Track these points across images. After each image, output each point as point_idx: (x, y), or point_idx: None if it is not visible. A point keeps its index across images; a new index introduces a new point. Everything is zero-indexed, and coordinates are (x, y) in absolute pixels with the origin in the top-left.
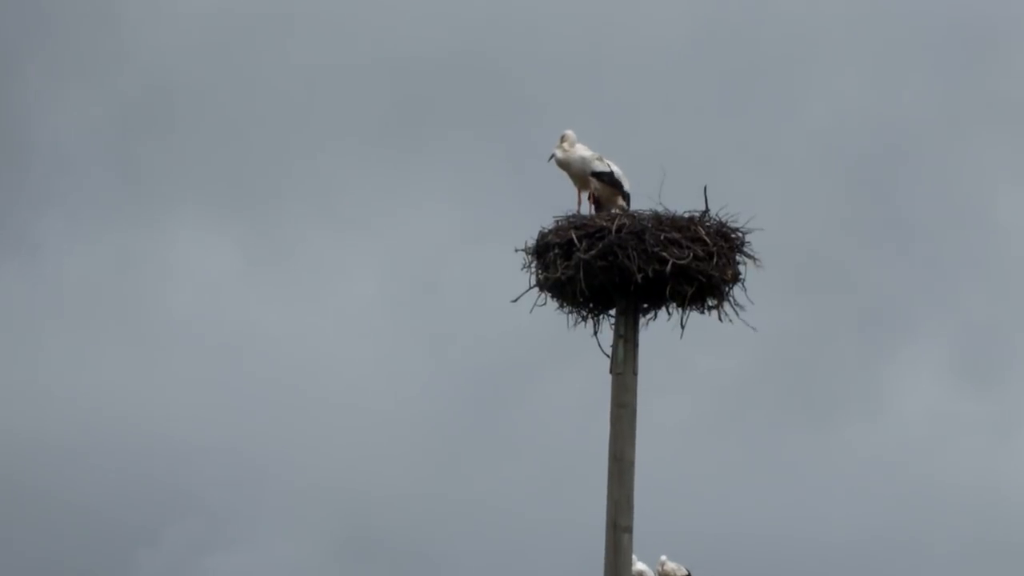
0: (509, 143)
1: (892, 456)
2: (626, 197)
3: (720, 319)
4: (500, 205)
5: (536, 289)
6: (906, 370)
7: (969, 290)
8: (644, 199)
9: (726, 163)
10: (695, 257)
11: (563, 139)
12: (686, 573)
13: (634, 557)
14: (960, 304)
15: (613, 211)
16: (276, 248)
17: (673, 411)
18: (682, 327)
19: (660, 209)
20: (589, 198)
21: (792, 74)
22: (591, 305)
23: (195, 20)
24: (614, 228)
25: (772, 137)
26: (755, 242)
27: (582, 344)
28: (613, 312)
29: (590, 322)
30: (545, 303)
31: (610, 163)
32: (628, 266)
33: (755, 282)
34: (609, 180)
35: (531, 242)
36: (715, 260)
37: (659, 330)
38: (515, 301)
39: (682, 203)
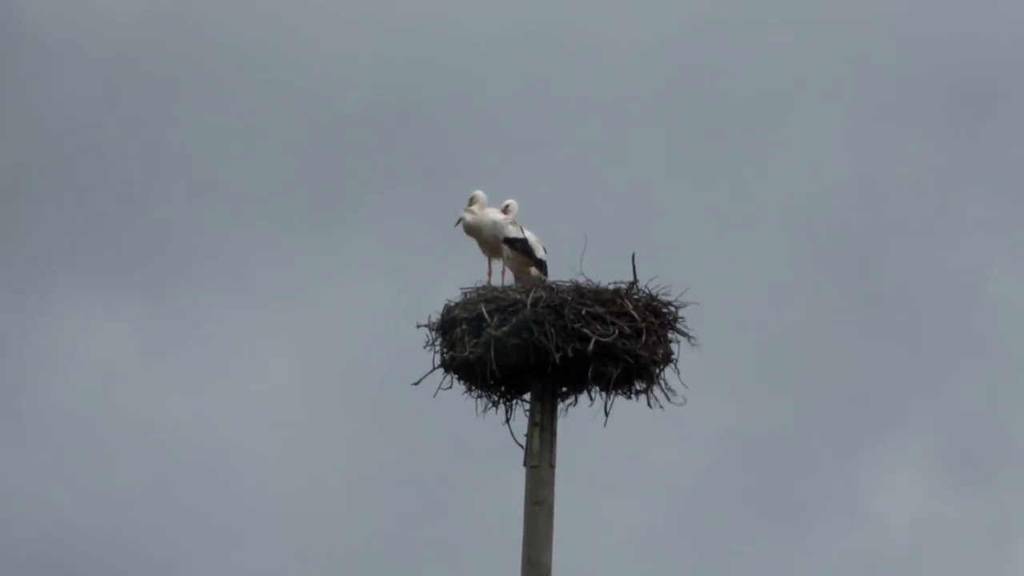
0: (443, 208)
1: (872, 566)
2: (541, 267)
3: (649, 404)
4: (431, 278)
5: (441, 370)
6: (887, 467)
7: (959, 375)
8: (565, 269)
9: (680, 231)
10: (621, 334)
11: (472, 200)
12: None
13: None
14: (949, 391)
15: (528, 282)
16: (177, 328)
17: (598, 511)
18: (606, 413)
19: (582, 280)
20: (501, 267)
21: (763, 130)
22: (503, 389)
23: (91, 70)
24: (529, 301)
25: (736, 201)
26: (707, 318)
27: (493, 433)
28: (528, 397)
29: (501, 408)
30: (451, 386)
31: (524, 228)
32: (545, 344)
33: (711, 365)
34: (523, 248)
35: (436, 316)
36: (644, 338)
37: (580, 417)
38: (417, 384)
39: (612, 274)
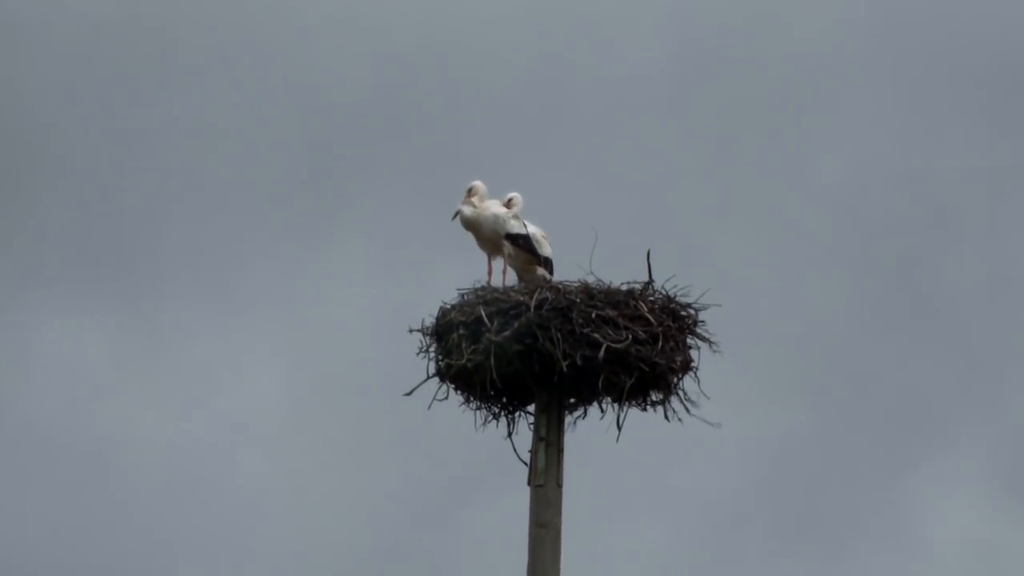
0: (439, 201)
1: None
2: (546, 265)
3: (666, 417)
4: (424, 277)
5: (436, 379)
6: (936, 487)
7: (1014, 385)
8: (573, 268)
9: (700, 226)
10: (635, 340)
11: (470, 192)
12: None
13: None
14: (1003, 402)
15: (532, 282)
16: (154, 336)
17: (610, 535)
18: (618, 427)
19: (591, 280)
20: (503, 266)
21: (797, 117)
22: (504, 400)
23: (59, 55)
24: (533, 304)
25: (765, 194)
26: (731, 322)
27: (493, 448)
28: (532, 409)
29: (503, 421)
30: (447, 397)
31: (527, 223)
32: (551, 351)
33: (736, 373)
34: (525, 244)
35: (430, 320)
36: (660, 344)
37: (590, 430)
38: (409, 394)
39: (625, 273)
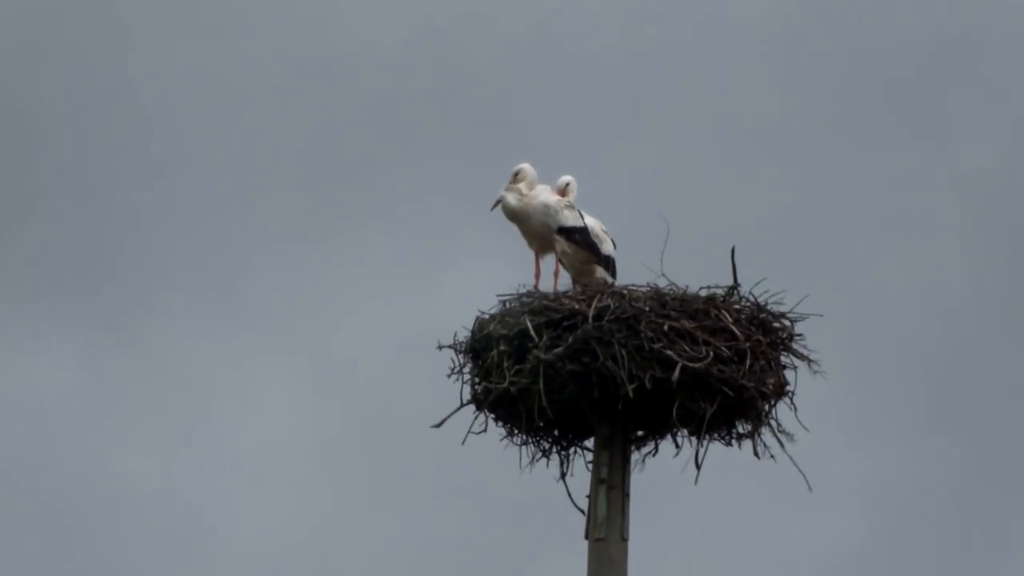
0: (482, 191)
1: None
2: (608, 265)
3: (756, 453)
4: (458, 281)
5: (472, 407)
6: None
7: None
8: (640, 269)
9: (798, 218)
10: (717, 358)
11: (516, 176)
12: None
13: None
14: None
15: (590, 286)
16: (141, 358)
17: None
18: (697, 466)
19: (663, 284)
20: (555, 266)
21: (931, 91)
22: (556, 433)
23: (22, 20)
24: (591, 313)
25: (884, 180)
26: (835, 336)
27: (543, 493)
28: (590, 444)
29: (555, 459)
30: (485, 429)
31: (584, 214)
32: (613, 372)
33: (842, 399)
34: (583, 240)
35: (464, 334)
36: (748, 363)
37: (661, 470)
38: (438, 426)
39: (705, 276)
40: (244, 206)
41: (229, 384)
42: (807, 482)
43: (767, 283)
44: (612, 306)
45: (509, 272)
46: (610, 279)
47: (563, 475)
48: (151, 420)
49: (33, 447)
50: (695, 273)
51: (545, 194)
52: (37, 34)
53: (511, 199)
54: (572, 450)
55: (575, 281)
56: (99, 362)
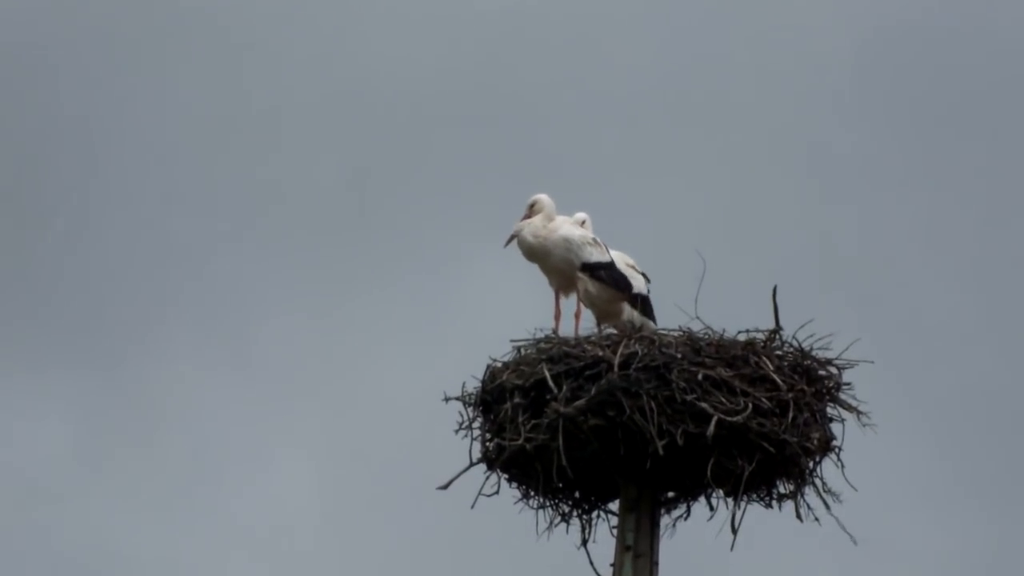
0: (499, 222)
1: None
2: (641, 305)
3: (798, 516)
4: (470, 325)
5: (483, 466)
6: None
7: None
8: (672, 311)
9: (844, 251)
10: (756, 411)
11: (532, 207)
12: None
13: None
14: None
15: (615, 330)
16: (136, 415)
17: None
18: (733, 531)
19: (697, 327)
20: (576, 307)
21: (996, 106)
22: (577, 495)
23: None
24: (617, 360)
25: (947, 208)
26: (889, 385)
27: (562, 562)
28: (615, 507)
29: (575, 524)
30: (498, 490)
31: (609, 249)
32: (641, 427)
33: (897, 456)
34: (609, 277)
35: (475, 384)
36: (791, 416)
37: (694, 536)
38: (445, 488)
39: (743, 318)
40: (255, 243)
41: (236, 445)
42: (852, 538)
43: (812, 326)
44: (640, 353)
45: (526, 313)
46: (638, 320)
47: (584, 542)
48: (149, 479)
49: (18, 518)
50: (733, 316)
51: (566, 227)
52: (29, 72)
53: (527, 233)
54: (595, 514)
55: (600, 322)
56: (91, 420)
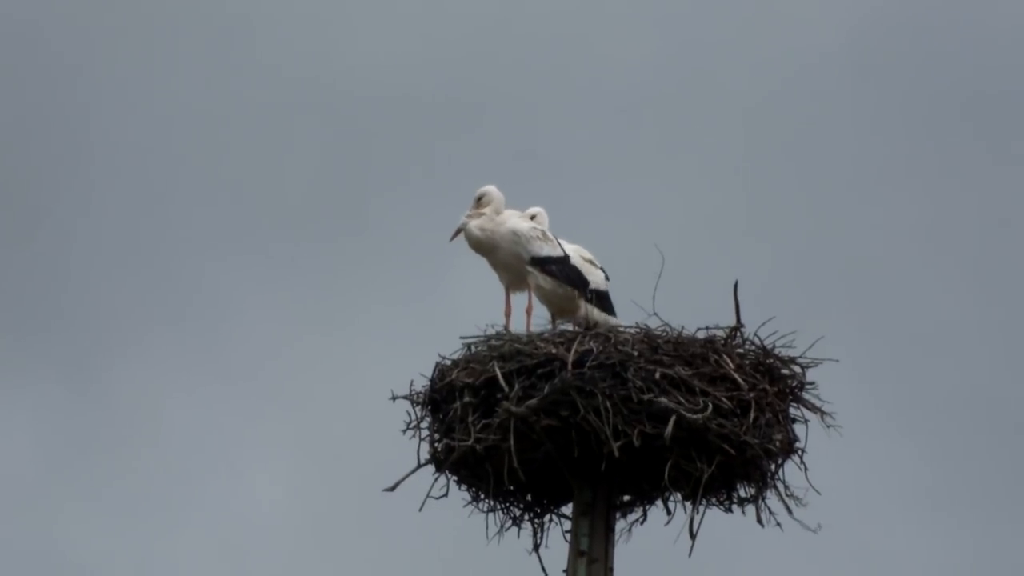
0: (447, 216)
1: None
2: (599, 301)
3: (759, 521)
4: (419, 320)
5: (431, 467)
6: None
7: None
8: (630, 307)
9: (809, 247)
10: (716, 410)
11: (480, 200)
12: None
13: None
14: None
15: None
16: (109, 422)
17: None
18: (692, 536)
19: (655, 324)
20: (527, 302)
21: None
22: (529, 498)
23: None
24: (571, 358)
25: (923, 206)
26: (853, 385)
27: (513, 567)
28: (568, 511)
29: (527, 528)
30: (446, 493)
31: (563, 242)
32: (596, 427)
33: (860, 459)
34: (561, 272)
35: (422, 384)
36: (752, 416)
37: (651, 541)
38: (391, 490)
39: (703, 315)
40: (230, 242)
41: (207, 449)
42: (810, 529)
43: (774, 323)
44: (595, 350)
45: (475, 310)
46: (597, 317)
47: (536, 546)
48: (122, 490)
49: None
50: (692, 312)
51: (514, 220)
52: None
53: (474, 227)
54: (547, 518)
55: (555, 320)
56: (60, 426)
